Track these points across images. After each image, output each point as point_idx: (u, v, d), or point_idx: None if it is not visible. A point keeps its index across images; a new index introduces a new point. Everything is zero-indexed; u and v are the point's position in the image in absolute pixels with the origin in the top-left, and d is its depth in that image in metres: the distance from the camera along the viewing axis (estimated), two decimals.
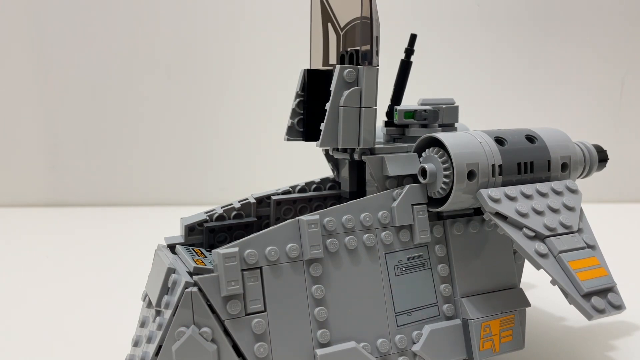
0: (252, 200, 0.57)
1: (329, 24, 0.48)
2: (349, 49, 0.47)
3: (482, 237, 0.50)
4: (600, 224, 0.62)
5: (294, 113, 0.49)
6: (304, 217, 0.42)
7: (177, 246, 0.50)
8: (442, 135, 0.46)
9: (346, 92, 0.45)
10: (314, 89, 0.48)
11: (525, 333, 0.50)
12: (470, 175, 0.45)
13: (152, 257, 0.48)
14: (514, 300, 0.50)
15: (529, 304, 0.50)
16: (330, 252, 0.43)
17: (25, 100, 1.48)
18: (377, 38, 0.44)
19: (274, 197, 0.58)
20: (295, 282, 0.41)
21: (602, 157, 0.59)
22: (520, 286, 0.52)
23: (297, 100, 0.49)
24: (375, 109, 0.46)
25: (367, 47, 0.44)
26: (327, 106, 0.45)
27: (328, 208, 0.44)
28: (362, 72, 0.45)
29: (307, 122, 0.49)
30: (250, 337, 0.39)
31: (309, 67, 0.51)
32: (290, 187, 0.59)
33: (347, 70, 0.44)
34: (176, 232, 0.55)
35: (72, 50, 1.45)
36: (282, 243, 0.41)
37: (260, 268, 0.40)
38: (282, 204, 0.58)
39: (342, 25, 0.47)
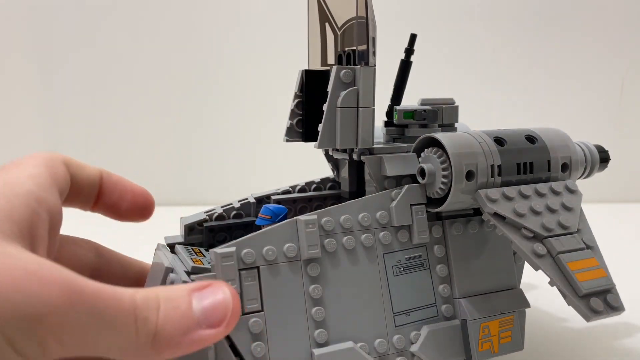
0: (252, 200, 0.57)
1: (327, 24, 0.48)
2: (346, 49, 0.46)
3: (482, 238, 0.50)
4: (600, 224, 0.62)
5: (292, 114, 0.49)
6: (302, 217, 0.42)
7: (177, 246, 0.50)
8: (440, 136, 0.46)
9: (343, 93, 0.44)
10: (313, 89, 0.48)
11: (524, 334, 0.50)
12: (469, 175, 0.45)
13: (152, 257, 0.48)
14: (513, 301, 0.49)
15: (528, 305, 0.50)
16: (328, 252, 0.43)
17: (25, 101, 1.48)
18: (374, 38, 0.44)
19: (273, 197, 0.58)
20: (292, 282, 0.41)
21: (604, 157, 0.58)
22: (521, 287, 0.52)
23: (296, 101, 0.49)
24: (373, 109, 0.46)
25: (364, 46, 0.44)
26: (325, 107, 0.45)
27: (326, 208, 0.44)
28: (359, 73, 0.44)
29: (306, 123, 0.49)
30: (247, 337, 0.39)
31: (307, 68, 0.51)
32: (290, 187, 0.59)
33: (344, 70, 0.44)
34: (176, 232, 0.55)
35: (73, 51, 1.45)
36: (279, 243, 0.41)
37: (258, 268, 0.40)
38: (282, 204, 0.57)
39: (339, 25, 0.46)
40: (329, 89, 0.45)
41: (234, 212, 0.56)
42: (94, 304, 0.28)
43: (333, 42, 0.47)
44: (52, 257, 0.37)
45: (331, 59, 0.49)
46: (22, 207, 0.32)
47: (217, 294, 0.33)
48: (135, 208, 0.45)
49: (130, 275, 0.47)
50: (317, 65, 0.51)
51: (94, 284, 0.29)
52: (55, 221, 0.35)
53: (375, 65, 0.45)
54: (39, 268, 0.28)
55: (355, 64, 0.45)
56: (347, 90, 0.44)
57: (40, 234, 0.33)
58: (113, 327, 0.29)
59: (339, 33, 0.46)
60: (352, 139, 0.46)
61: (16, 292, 0.26)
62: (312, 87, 0.48)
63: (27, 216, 0.32)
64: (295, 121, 0.49)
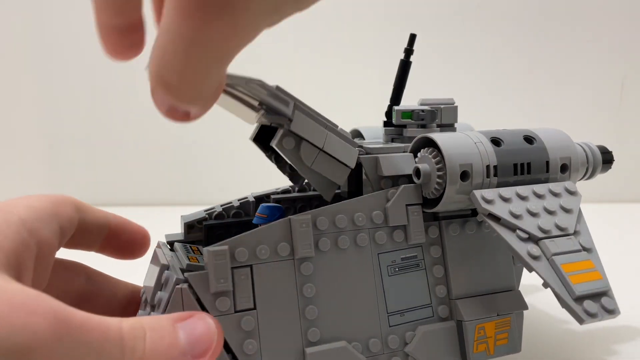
0: (252, 199, 0.57)
1: (227, 87, 0.41)
2: (258, 103, 0.43)
3: (479, 239, 0.49)
4: (600, 224, 0.61)
5: (282, 168, 0.52)
6: (295, 217, 0.42)
7: (176, 243, 0.51)
8: (436, 136, 0.46)
9: (301, 154, 0.43)
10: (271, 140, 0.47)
11: (522, 336, 0.49)
12: (464, 175, 0.45)
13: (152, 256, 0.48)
14: (511, 302, 0.49)
15: (526, 307, 0.49)
16: (322, 251, 0.43)
17: (25, 101, 1.50)
18: (273, 92, 0.40)
19: (273, 196, 0.58)
20: (285, 281, 0.41)
21: (607, 159, 0.57)
22: (521, 288, 0.51)
23: (272, 158, 0.50)
24: (328, 130, 0.44)
25: (272, 103, 0.40)
26: (302, 174, 0.45)
27: (320, 207, 0.44)
28: (294, 127, 0.42)
29: None
30: (239, 334, 0.39)
31: (251, 132, 0.51)
32: (290, 186, 0.60)
33: (283, 140, 0.43)
34: (176, 232, 0.55)
35: (72, 51, 1.47)
36: (273, 242, 0.41)
37: (251, 266, 0.40)
38: (282, 203, 0.58)
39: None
40: (289, 161, 0.44)
41: (234, 211, 0.56)
42: (81, 335, 0.29)
43: (245, 93, 0.41)
44: (41, 287, 0.38)
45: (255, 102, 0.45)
46: (12, 235, 0.33)
47: (201, 325, 0.34)
48: (143, 248, 0.49)
49: (120, 298, 0.48)
50: (254, 119, 0.49)
51: (81, 313, 0.30)
52: (45, 252, 0.36)
53: (293, 109, 0.42)
54: (26, 299, 0.28)
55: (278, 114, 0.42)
56: (301, 149, 0.43)
57: (26, 264, 0.34)
58: (100, 357, 0.29)
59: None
60: (342, 171, 0.45)
61: (3, 325, 0.27)
62: (270, 139, 0.46)
63: (15, 245, 0.33)
64: (287, 169, 0.50)
